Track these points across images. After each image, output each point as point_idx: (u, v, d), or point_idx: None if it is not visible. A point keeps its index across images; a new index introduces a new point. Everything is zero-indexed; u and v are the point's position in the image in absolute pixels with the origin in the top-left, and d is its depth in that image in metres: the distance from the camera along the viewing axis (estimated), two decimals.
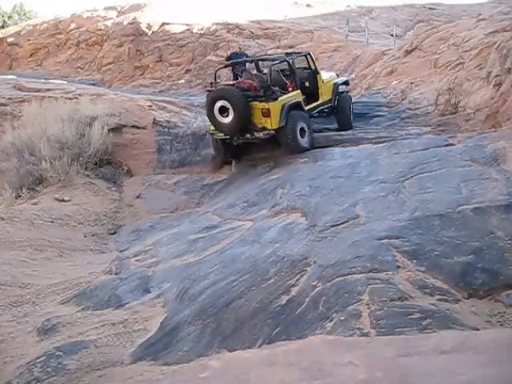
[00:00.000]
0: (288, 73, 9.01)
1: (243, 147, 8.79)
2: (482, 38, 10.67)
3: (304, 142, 8.45)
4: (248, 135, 8.34)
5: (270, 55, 11.02)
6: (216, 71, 9.63)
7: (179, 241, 6.35)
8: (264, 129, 8.21)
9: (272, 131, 8.18)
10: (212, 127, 8.56)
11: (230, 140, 8.50)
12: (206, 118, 8.68)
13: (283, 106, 8.24)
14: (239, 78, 9.33)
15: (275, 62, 9.01)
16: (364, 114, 10.99)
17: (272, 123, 8.13)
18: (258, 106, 8.13)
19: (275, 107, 8.15)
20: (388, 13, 22.23)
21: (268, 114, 8.11)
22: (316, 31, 18.51)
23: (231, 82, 9.02)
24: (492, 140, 6.18)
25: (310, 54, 9.77)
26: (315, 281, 3.86)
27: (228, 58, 12.74)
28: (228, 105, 8.04)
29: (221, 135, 8.51)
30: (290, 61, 8.96)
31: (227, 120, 8.11)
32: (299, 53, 10.21)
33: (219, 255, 5.32)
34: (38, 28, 24.52)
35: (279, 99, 8.25)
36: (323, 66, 16.07)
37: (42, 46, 23.67)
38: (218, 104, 8.10)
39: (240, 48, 15.44)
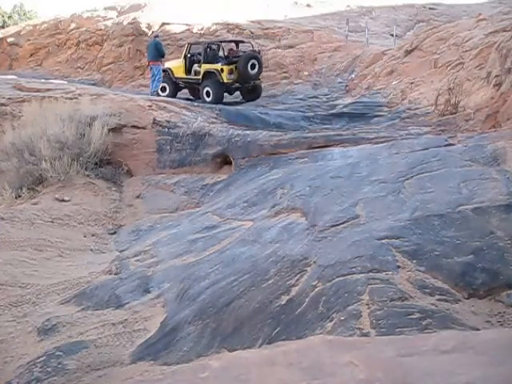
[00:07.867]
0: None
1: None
2: (482, 38, 10.67)
3: None
4: (252, 82, 14.62)
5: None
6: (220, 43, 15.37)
7: (179, 241, 6.34)
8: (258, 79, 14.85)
9: (259, 80, 14.87)
10: (227, 79, 14.02)
11: (242, 85, 14.44)
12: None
13: None
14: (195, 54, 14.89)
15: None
16: (364, 113, 10.99)
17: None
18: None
19: None
20: (388, 13, 22.16)
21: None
22: (316, 31, 18.45)
23: (250, 50, 15.26)
24: (492, 140, 6.17)
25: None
26: (315, 281, 3.86)
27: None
28: (256, 62, 14.27)
29: (234, 82, 14.25)
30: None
31: (254, 72, 14.30)
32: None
33: (219, 255, 5.32)
34: (38, 28, 24.44)
35: None
36: (323, 65, 16.06)
37: (42, 46, 23.60)
38: (251, 62, 14.17)
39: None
